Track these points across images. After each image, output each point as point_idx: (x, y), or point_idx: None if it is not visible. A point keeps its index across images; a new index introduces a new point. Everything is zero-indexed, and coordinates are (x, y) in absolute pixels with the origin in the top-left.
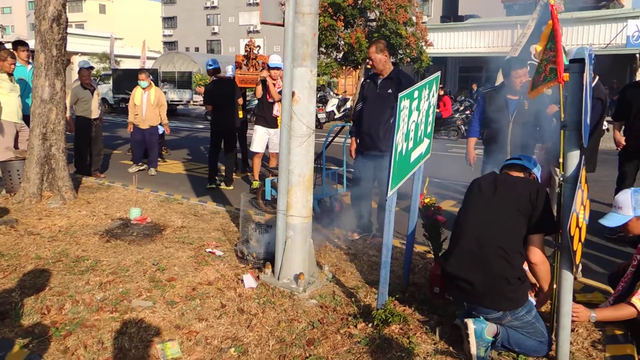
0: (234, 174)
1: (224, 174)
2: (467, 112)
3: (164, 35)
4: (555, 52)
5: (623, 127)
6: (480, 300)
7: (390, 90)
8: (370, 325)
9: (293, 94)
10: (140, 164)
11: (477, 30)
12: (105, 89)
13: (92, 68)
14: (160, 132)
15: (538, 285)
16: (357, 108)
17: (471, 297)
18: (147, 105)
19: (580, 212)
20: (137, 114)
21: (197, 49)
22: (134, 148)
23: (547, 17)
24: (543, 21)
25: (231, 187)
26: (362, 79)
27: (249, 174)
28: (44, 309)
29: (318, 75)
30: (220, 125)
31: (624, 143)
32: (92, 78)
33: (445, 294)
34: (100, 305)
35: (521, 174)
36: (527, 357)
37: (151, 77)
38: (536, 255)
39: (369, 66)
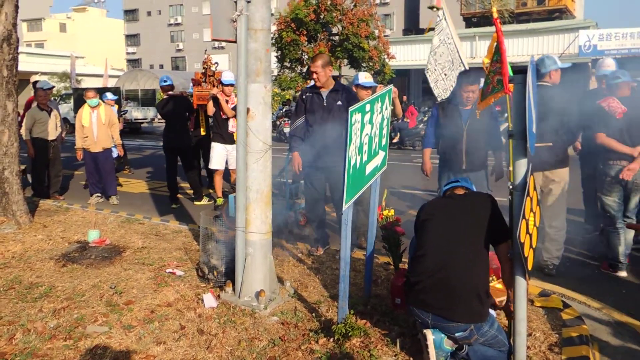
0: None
1: (191, 192)
2: None
3: (128, 53)
4: (501, 64)
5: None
6: (451, 315)
7: (339, 102)
8: (331, 340)
9: (248, 110)
10: (99, 195)
11: None
12: (66, 108)
13: (51, 88)
14: (115, 155)
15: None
16: (299, 122)
17: (440, 313)
18: (98, 126)
19: (530, 219)
20: (86, 137)
21: (161, 66)
22: (90, 176)
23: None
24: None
25: (203, 202)
26: (300, 93)
27: (211, 191)
28: None
29: (283, 89)
30: (170, 143)
31: (579, 147)
32: (51, 98)
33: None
34: (54, 333)
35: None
36: None
37: (114, 96)
38: (507, 261)
39: (312, 80)
